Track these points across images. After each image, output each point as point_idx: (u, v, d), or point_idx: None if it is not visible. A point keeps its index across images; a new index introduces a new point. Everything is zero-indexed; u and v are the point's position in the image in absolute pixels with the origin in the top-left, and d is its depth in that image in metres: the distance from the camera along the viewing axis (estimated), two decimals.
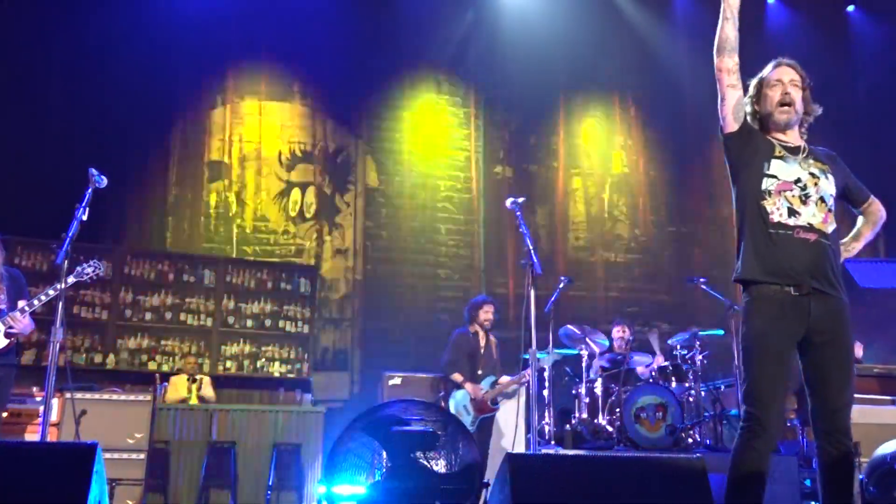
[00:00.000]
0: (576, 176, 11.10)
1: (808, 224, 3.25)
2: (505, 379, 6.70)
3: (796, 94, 3.48)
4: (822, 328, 3.22)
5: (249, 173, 9.75)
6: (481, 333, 6.88)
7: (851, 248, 3.58)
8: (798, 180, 3.31)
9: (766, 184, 3.30)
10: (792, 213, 3.26)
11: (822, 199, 3.31)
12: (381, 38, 10.15)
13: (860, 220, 3.66)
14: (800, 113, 3.50)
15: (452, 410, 6.48)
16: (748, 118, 3.50)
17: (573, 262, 10.63)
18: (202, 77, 9.66)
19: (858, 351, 8.53)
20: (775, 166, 3.33)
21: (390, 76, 10.42)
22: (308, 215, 9.84)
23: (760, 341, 3.22)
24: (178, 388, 7.82)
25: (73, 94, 8.75)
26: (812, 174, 3.35)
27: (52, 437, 5.78)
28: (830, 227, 3.32)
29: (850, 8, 11.71)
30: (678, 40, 11.27)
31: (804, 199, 3.27)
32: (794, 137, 3.49)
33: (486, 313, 6.89)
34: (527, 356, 4.81)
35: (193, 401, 7.68)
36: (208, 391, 7.94)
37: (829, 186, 3.37)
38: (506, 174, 10.79)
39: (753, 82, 3.56)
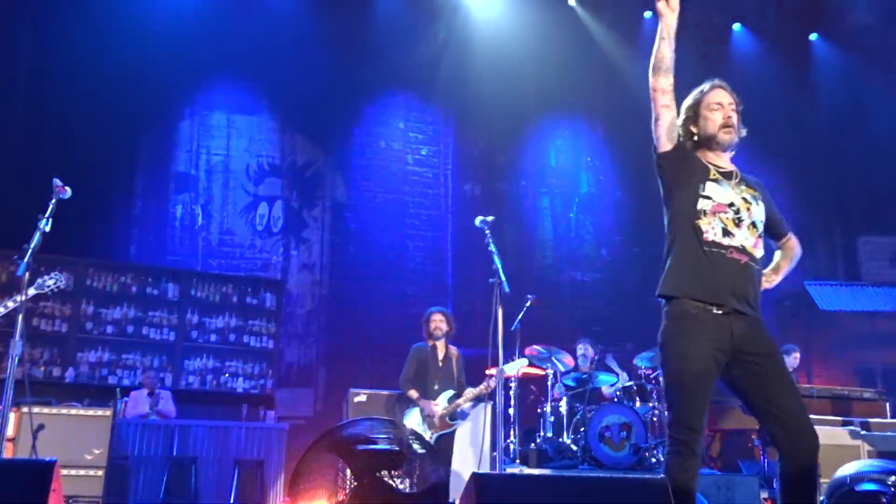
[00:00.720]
0: (544, 195, 11.18)
1: (741, 246, 3.27)
2: (469, 392, 6.58)
3: (735, 117, 3.52)
4: (750, 345, 3.21)
5: (216, 186, 9.68)
6: (439, 346, 6.73)
7: (772, 279, 3.59)
8: (732, 204, 3.34)
9: (702, 204, 3.33)
10: (726, 233, 3.28)
11: (753, 224, 3.36)
12: (351, 53, 10.16)
13: (778, 254, 3.70)
14: (740, 135, 3.55)
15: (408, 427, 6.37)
16: (681, 139, 3.50)
17: (540, 281, 10.67)
18: (170, 89, 9.58)
19: (795, 362, 8.71)
20: (710, 188, 3.35)
21: (360, 92, 10.43)
22: (275, 229, 9.79)
23: (684, 364, 3.20)
24: (137, 402, 7.70)
25: (38, 102, 8.63)
26: (745, 199, 3.39)
27: (7, 452, 5.64)
28: (759, 253, 3.36)
29: (813, 36, 11.97)
30: (645, 63, 11.36)
31: (737, 223, 3.31)
32: (726, 162, 3.53)
33: (437, 322, 6.76)
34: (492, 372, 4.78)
35: (153, 415, 7.56)
36: (168, 406, 7.82)
37: (760, 213, 3.42)
38: (475, 192, 10.84)
39: (688, 103, 3.56)
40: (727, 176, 3.43)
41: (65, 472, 5.17)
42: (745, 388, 3.24)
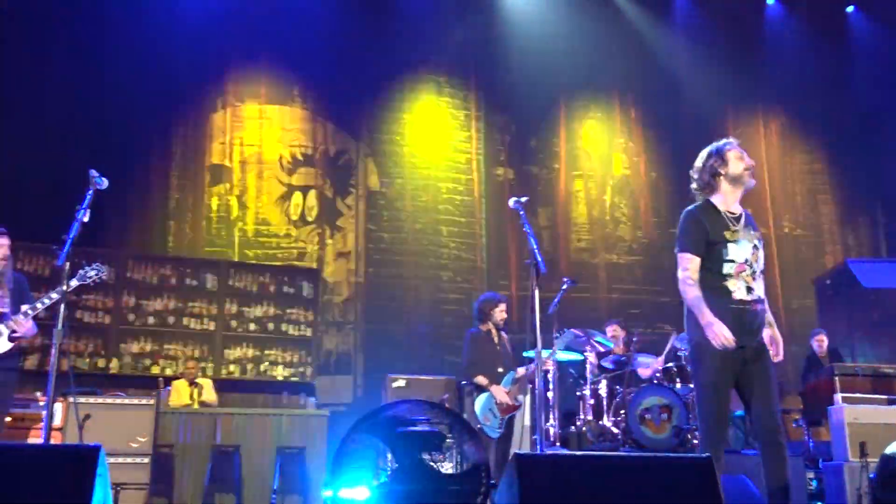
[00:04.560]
0: (577, 178, 11.10)
1: (759, 297, 4.04)
2: (521, 370, 6.59)
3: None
4: (752, 358, 4.03)
5: (251, 177, 9.75)
6: (494, 331, 6.73)
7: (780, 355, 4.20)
8: (746, 260, 4.04)
9: (727, 268, 4.02)
10: (749, 290, 4.02)
11: (762, 272, 4.11)
12: (381, 41, 10.16)
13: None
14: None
15: (479, 414, 6.34)
16: (707, 182, 4.19)
17: (575, 264, 10.62)
18: (203, 81, 9.67)
19: (822, 345, 8.59)
20: (732, 251, 4.04)
21: (391, 79, 10.43)
22: (310, 219, 9.84)
23: (712, 395, 4.00)
24: (179, 392, 7.80)
25: (74, 97, 8.74)
26: (755, 246, 4.09)
27: (55, 441, 5.75)
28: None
29: (850, 9, 11.70)
30: (678, 42, 11.28)
31: (754, 276, 4.05)
32: (737, 203, 4.20)
33: (502, 312, 6.76)
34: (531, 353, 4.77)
35: (195, 405, 7.66)
36: (210, 395, 7.91)
37: (762, 257, 4.12)
38: (507, 176, 10.79)
39: (711, 151, 4.24)
40: (737, 221, 4.12)
41: (111, 460, 5.25)
42: (745, 383, 4.07)
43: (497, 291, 9.91)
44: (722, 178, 4.17)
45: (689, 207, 4.22)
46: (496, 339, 6.68)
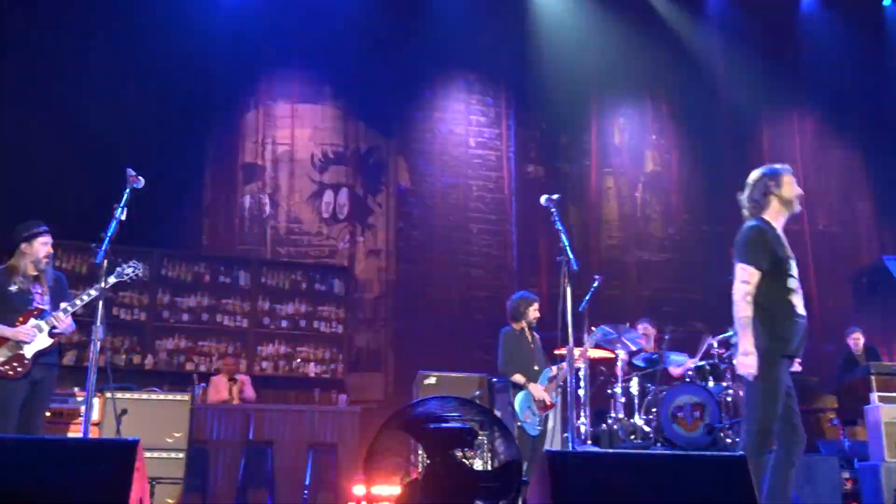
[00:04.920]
0: (608, 175, 11.03)
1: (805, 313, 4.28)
2: (555, 368, 6.58)
3: None
4: None
5: (283, 175, 9.83)
6: (527, 330, 6.72)
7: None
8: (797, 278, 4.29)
9: (791, 284, 4.24)
10: (804, 306, 4.28)
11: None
12: (411, 38, 10.18)
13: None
14: None
15: (518, 413, 6.35)
16: (756, 200, 4.35)
17: (606, 262, 10.56)
18: (236, 80, 9.77)
19: (858, 343, 8.50)
20: (792, 267, 4.26)
21: (421, 76, 10.44)
22: (341, 216, 9.90)
23: (780, 397, 4.14)
24: (218, 388, 7.90)
25: (110, 97, 8.85)
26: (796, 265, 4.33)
27: (93, 435, 5.85)
28: None
29: (887, 1, 11.50)
30: (711, 36, 11.17)
31: (799, 291, 4.29)
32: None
33: (535, 311, 6.75)
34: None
35: (235, 401, 7.74)
36: (250, 391, 8.01)
37: None
38: (537, 173, 10.77)
39: (766, 172, 4.38)
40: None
41: (148, 454, 5.33)
42: None
43: (527, 289, 9.93)
44: (773, 197, 4.31)
45: (754, 222, 4.32)
46: (529, 338, 6.68)
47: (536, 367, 6.51)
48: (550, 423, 6.58)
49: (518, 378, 6.39)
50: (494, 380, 6.98)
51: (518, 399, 6.41)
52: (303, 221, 9.78)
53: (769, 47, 11.11)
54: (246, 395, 7.90)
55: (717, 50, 11.02)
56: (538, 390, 6.36)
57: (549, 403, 6.41)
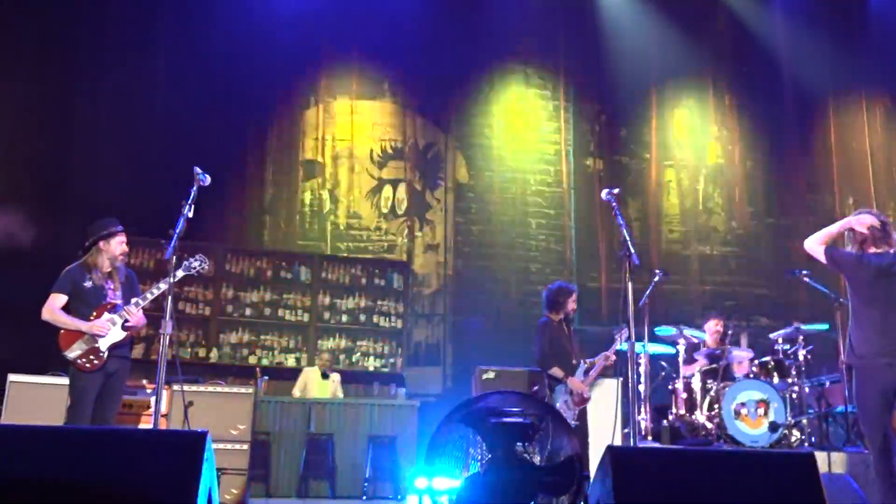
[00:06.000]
0: (669, 167, 10.87)
1: None
2: (591, 362, 6.45)
3: None
4: None
5: (342, 171, 9.94)
6: (563, 322, 6.60)
7: None
8: None
9: None
10: None
11: None
12: (469, 33, 10.18)
13: None
14: None
15: (557, 405, 6.30)
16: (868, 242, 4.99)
17: (667, 256, 10.42)
18: (296, 78, 9.91)
19: None
20: None
21: (479, 71, 10.44)
22: (399, 212, 9.97)
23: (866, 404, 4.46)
24: (310, 381, 8.04)
25: (177, 96, 9.07)
26: None
27: (162, 427, 6.01)
28: None
29: None
30: (775, 22, 10.90)
31: None
32: None
33: (573, 302, 6.64)
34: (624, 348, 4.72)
35: (326, 395, 7.87)
36: (339, 392, 8.14)
37: None
38: (596, 167, 10.67)
39: (874, 223, 5.12)
40: None
41: (213, 446, 5.45)
42: None
43: (586, 283, 9.87)
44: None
45: None
46: (567, 331, 6.57)
47: (574, 362, 6.41)
48: (592, 422, 6.52)
49: (556, 371, 6.30)
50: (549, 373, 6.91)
51: (556, 393, 6.35)
52: (362, 217, 9.88)
53: (837, 33, 10.78)
54: (336, 395, 8.03)
55: (782, 37, 10.75)
56: (577, 384, 6.27)
57: (586, 397, 6.33)
